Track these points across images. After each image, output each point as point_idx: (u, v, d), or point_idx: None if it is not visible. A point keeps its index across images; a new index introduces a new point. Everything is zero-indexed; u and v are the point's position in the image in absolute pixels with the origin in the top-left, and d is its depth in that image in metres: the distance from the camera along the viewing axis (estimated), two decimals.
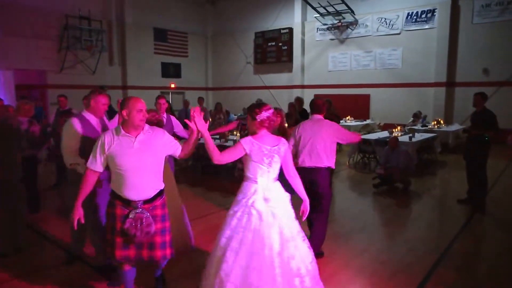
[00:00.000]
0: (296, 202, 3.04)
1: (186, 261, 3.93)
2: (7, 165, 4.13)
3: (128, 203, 2.71)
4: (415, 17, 14.43)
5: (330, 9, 15.52)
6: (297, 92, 16.35)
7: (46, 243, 4.57)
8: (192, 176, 8.35)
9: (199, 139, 2.91)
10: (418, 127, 11.38)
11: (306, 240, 2.92)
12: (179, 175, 4.48)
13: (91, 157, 2.75)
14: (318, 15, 16.09)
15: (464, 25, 13.51)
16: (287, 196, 2.94)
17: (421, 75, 14.41)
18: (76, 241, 3.91)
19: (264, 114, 2.86)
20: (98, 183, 3.05)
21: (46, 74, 14.46)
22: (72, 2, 14.40)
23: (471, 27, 13.40)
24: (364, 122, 14.13)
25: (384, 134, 9.86)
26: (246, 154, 2.82)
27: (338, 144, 4.92)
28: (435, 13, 13.95)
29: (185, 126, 3.08)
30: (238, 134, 8.45)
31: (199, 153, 7.54)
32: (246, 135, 3.12)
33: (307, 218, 4.16)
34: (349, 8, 15.25)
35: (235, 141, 7.60)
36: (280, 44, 17.97)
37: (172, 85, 18.68)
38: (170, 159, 4.00)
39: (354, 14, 15.53)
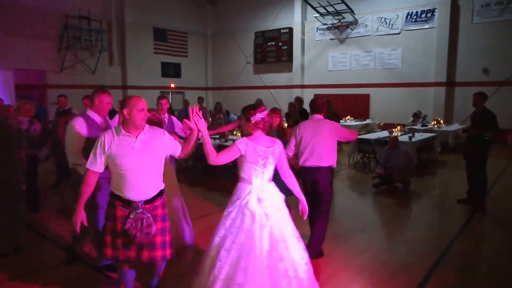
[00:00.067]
0: (296, 203, 3.04)
1: (186, 261, 3.94)
2: (7, 165, 4.12)
3: (129, 204, 2.69)
4: (415, 16, 14.43)
5: (330, 9, 15.53)
6: (297, 92, 16.36)
7: (46, 243, 4.56)
8: (192, 176, 8.36)
9: (199, 139, 2.91)
10: (418, 126, 11.38)
11: (301, 242, 2.92)
12: (179, 175, 4.47)
13: (90, 157, 2.71)
14: (318, 14, 16.09)
15: (464, 25, 13.52)
16: (281, 196, 2.96)
17: (421, 75, 14.41)
18: (76, 240, 3.91)
19: (258, 116, 2.90)
20: (97, 187, 3.03)
21: (46, 74, 14.47)
22: (72, 2, 14.40)
23: (470, 26, 13.40)
24: (364, 122, 14.13)
25: (384, 133, 9.86)
26: (241, 155, 2.84)
27: (338, 144, 4.93)
28: (435, 13, 13.95)
29: None
30: (239, 134, 8.44)
31: (199, 153, 7.48)
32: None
33: (309, 217, 4.18)
34: (349, 8, 15.25)
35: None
36: (280, 44, 17.98)
37: (172, 85, 18.68)
38: (172, 158, 4.00)
39: (354, 14, 15.53)
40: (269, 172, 2.90)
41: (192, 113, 2.73)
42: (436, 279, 3.65)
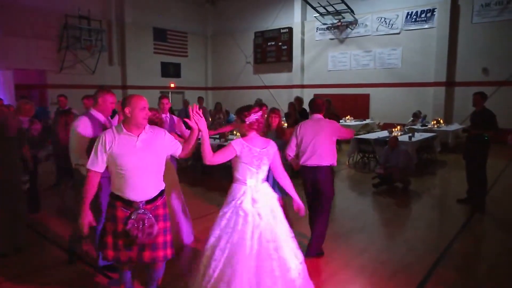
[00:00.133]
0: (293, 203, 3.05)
1: (186, 260, 3.95)
2: (7, 165, 4.12)
3: (130, 204, 2.65)
4: (414, 16, 14.43)
5: (330, 8, 15.53)
6: (296, 92, 16.36)
7: (46, 243, 4.56)
8: (192, 176, 8.35)
9: (199, 139, 2.91)
10: (418, 126, 11.39)
11: (295, 241, 2.96)
12: (179, 175, 4.48)
13: (91, 157, 2.67)
14: (318, 14, 16.09)
15: (464, 25, 13.52)
16: (275, 196, 3.00)
17: (420, 74, 14.41)
18: (75, 241, 3.89)
19: (253, 117, 2.93)
20: (99, 187, 3.01)
21: (46, 74, 14.47)
22: (71, 2, 14.40)
23: (470, 26, 13.40)
24: (364, 122, 14.13)
25: (384, 133, 9.86)
26: (236, 156, 2.87)
27: (338, 144, 4.94)
28: (434, 13, 13.96)
29: (186, 126, 3.09)
30: (239, 134, 8.41)
31: (199, 153, 7.51)
32: None
33: (309, 217, 4.20)
34: (348, 7, 15.25)
35: None
36: (280, 43, 17.98)
37: (172, 85, 18.68)
38: (172, 158, 4.01)
39: (354, 14, 15.53)
40: (263, 173, 2.94)
41: (193, 112, 2.73)
42: (436, 279, 3.66)
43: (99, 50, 15.23)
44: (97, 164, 2.65)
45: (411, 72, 14.64)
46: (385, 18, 15.11)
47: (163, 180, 2.84)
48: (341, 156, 9.65)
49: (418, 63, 14.43)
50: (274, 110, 5.00)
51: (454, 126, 11.66)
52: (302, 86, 17.58)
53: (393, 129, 9.73)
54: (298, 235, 4.54)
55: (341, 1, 15.01)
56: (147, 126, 2.73)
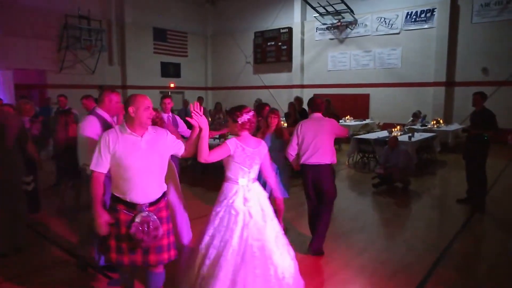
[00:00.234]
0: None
1: (185, 260, 3.93)
2: (7, 165, 4.12)
3: (133, 207, 2.56)
4: (414, 16, 14.43)
5: (330, 8, 15.52)
6: (296, 92, 16.35)
7: (46, 243, 4.56)
8: (192, 176, 8.35)
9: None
10: (418, 126, 11.38)
11: (285, 239, 3.02)
12: (179, 175, 4.48)
13: (94, 158, 2.57)
14: (318, 14, 16.08)
15: (464, 25, 13.51)
16: (265, 195, 3.07)
17: (420, 74, 14.41)
18: (85, 242, 3.81)
19: (245, 117, 2.97)
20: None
21: (46, 73, 14.45)
22: (71, 2, 14.39)
23: (470, 26, 13.40)
24: (364, 122, 14.11)
25: (384, 133, 9.86)
26: (229, 155, 2.91)
27: (338, 144, 4.96)
28: (434, 13, 13.95)
29: (188, 125, 3.11)
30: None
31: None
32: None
33: (310, 220, 4.22)
34: (348, 7, 15.24)
35: None
36: (280, 43, 17.97)
37: (172, 85, 18.67)
38: (174, 158, 4.01)
39: (354, 14, 15.52)
40: (254, 172, 3.01)
41: (194, 110, 2.73)
42: (436, 279, 3.66)
43: (99, 50, 15.22)
44: (101, 164, 2.56)
45: (411, 72, 14.63)
46: (384, 18, 15.11)
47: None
48: (341, 156, 9.65)
49: (417, 63, 14.43)
50: (273, 111, 5.00)
51: (454, 126, 11.66)
52: (302, 86, 17.57)
53: (393, 129, 9.72)
54: (298, 235, 4.56)
55: (340, 1, 15.00)
56: (149, 126, 2.68)
